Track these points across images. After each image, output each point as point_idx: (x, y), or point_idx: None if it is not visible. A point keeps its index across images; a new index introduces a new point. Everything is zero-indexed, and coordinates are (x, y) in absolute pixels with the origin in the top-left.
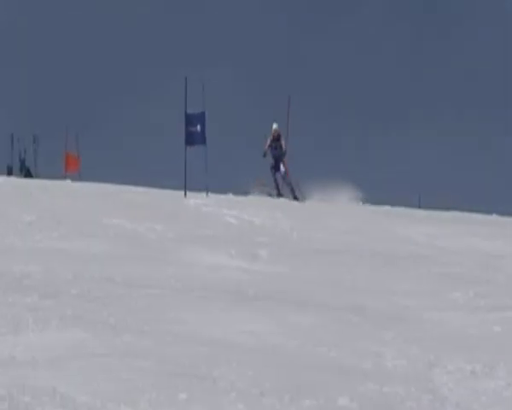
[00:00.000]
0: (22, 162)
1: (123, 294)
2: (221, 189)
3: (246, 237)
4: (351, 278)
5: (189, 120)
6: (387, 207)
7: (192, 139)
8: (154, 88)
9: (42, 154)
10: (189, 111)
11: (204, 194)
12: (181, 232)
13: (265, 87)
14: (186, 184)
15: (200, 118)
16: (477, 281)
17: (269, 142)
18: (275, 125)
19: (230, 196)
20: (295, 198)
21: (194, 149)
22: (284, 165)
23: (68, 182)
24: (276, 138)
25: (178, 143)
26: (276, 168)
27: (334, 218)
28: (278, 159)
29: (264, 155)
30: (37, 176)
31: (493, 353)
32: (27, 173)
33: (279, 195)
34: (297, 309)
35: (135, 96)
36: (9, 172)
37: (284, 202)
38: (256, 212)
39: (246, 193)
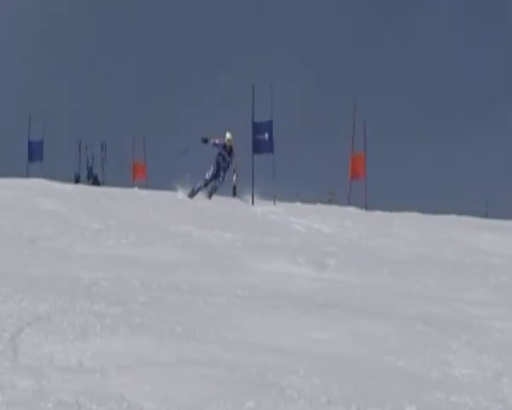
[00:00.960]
0: (90, 170)
1: (190, 302)
2: (289, 197)
3: (314, 245)
4: (419, 287)
5: (257, 128)
6: (454, 217)
7: (259, 147)
8: (221, 96)
9: (109, 161)
10: (257, 119)
11: (271, 202)
12: (249, 240)
13: (333, 94)
14: (253, 192)
15: (268, 126)
16: None
17: (217, 141)
18: (228, 135)
19: (298, 205)
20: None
21: (261, 157)
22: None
23: (136, 190)
24: (229, 150)
25: (246, 150)
26: (216, 176)
27: (401, 227)
28: (222, 170)
29: (206, 142)
30: (105, 183)
31: None
32: (95, 181)
33: (193, 194)
34: (365, 318)
35: (202, 104)
36: (77, 180)
37: (353, 211)
38: (324, 220)
39: (313, 201)
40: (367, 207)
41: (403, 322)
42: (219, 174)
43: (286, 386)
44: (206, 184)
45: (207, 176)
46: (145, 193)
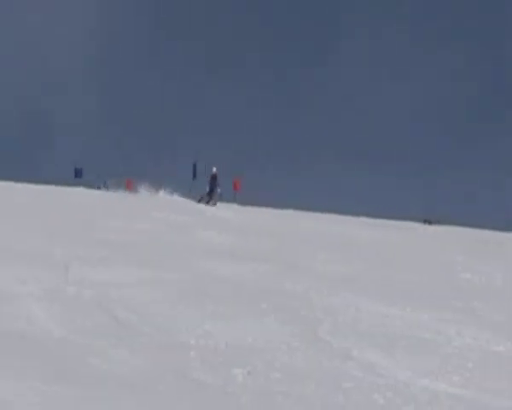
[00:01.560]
0: None
1: None
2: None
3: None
4: None
5: None
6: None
7: None
8: None
9: None
10: None
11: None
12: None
13: None
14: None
15: None
16: None
17: (209, 179)
18: (214, 169)
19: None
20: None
21: None
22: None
23: None
24: (213, 178)
25: None
26: (209, 195)
27: None
28: (212, 191)
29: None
30: None
31: None
32: None
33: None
34: None
35: None
36: None
37: None
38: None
39: None
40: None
41: None
42: (213, 192)
43: None
44: (207, 196)
45: (206, 192)
46: None
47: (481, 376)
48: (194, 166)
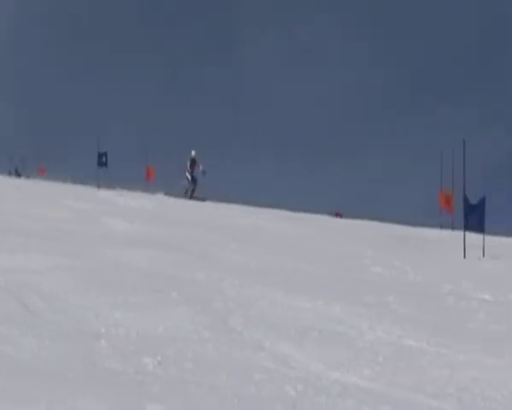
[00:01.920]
0: None
1: None
2: None
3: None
4: None
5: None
6: None
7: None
8: None
9: None
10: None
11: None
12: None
13: None
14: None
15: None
16: None
17: (188, 165)
18: (193, 153)
19: None
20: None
21: None
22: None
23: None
24: (193, 162)
25: None
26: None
27: None
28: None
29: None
30: None
31: None
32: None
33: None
34: None
35: None
36: None
37: None
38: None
39: None
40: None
41: None
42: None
43: None
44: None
45: (189, 180)
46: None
47: (392, 370)
48: (104, 155)
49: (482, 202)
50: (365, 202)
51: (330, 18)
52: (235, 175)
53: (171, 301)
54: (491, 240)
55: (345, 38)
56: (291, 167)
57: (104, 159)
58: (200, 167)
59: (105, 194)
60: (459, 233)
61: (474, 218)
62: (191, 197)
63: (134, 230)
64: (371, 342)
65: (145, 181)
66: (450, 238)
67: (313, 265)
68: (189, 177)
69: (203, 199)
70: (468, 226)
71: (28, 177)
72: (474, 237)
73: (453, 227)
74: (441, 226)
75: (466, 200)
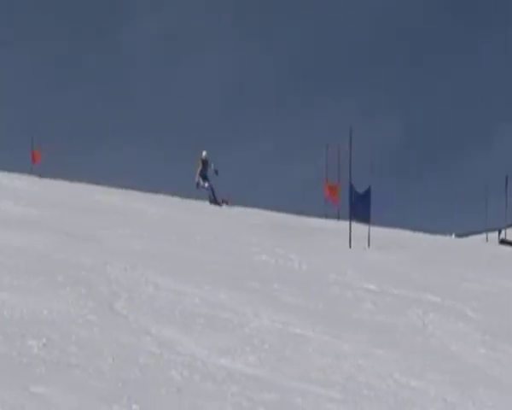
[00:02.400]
0: None
1: None
2: None
3: None
4: None
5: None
6: None
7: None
8: None
9: None
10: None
11: None
12: None
13: None
14: None
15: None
16: None
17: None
18: (204, 153)
19: None
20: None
21: None
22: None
23: None
24: (205, 163)
25: None
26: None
27: None
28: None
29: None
30: None
31: None
32: None
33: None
34: None
35: None
36: None
37: None
38: None
39: None
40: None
41: None
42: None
43: None
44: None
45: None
46: None
47: (277, 357)
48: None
49: (368, 193)
50: (251, 189)
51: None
52: (117, 160)
53: (57, 284)
54: (376, 230)
55: (224, 26)
56: (176, 153)
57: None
58: (212, 166)
59: None
60: (345, 223)
61: (360, 207)
62: (215, 202)
63: (17, 211)
64: (257, 329)
65: (32, 165)
66: (335, 228)
67: (198, 251)
68: (201, 180)
69: (225, 202)
70: (353, 216)
71: None
72: (359, 228)
73: (339, 217)
74: (326, 216)
75: (352, 189)
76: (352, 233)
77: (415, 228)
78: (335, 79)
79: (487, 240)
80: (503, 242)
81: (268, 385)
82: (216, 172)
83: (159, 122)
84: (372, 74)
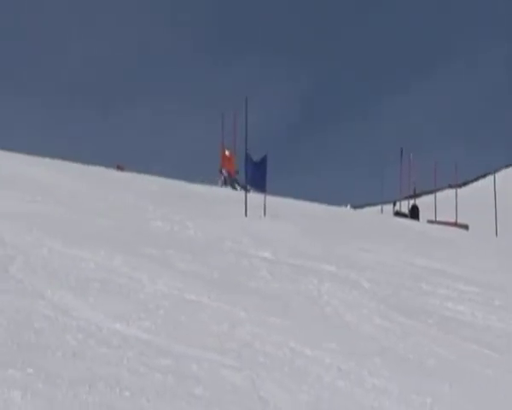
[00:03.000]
0: None
1: None
2: None
3: None
4: None
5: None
6: None
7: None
8: None
9: None
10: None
11: None
12: None
13: None
14: None
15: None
16: None
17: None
18: (227, 152)
19: None
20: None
21: None
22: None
23: None
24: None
25: None
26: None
27: None
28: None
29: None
30: None
31: None
32: None
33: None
34: None
35: None
36: None
37: None
38: None
39: None
40: None
41: None
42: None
43: None
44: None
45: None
46: None
47: (173, 323)
48: None
49: (264, 161)
50: (147, 155)
51: None
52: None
53: None
54: (272, 200)
55: None
56: (66, 114)
57: None
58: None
59: None
60: (241, 192)
61: (256, 176)
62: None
63: None
64: (152, 294)
65: None
66: (231, 196)
67: (93, 216)
68: (226, 179)
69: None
70: (249, 184)
71: None
72: (255, 197)
73: (232, 184)
74: (221, 184)
75: (248, 158)
76: (247, 202)
77: (311, 198)
78: (237, 45)
79: (382, 212)
80: (397, 214)
81: (163, 351)
82: (236, 172)
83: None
84: (271, 41)
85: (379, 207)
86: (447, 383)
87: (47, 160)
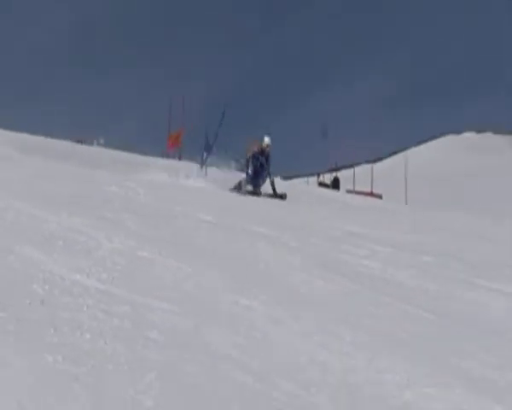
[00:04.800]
0: None
1: None
2: None
3: None
4: None
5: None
6: None
7: None
8: None
9: None
10: None
11: None
12: None
13: None
14: None
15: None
16: None
17: (255, 150)
18: (267, 140)
19: None
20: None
21: None
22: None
23: None
24: (267, 156)
25: None
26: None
27: None
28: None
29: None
30: None
31: None
32: None
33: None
34: None
35: None
36: None
37: None
38: None
39: None
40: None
41: None
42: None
43: None
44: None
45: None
46: None
47: (127, 276)
48: None
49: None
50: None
51: None
52: None
53: None
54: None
55: None
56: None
57: None
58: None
59: None
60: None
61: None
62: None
63: None
64: (109, 251)
65: None
66: (180, 167)
67: (54, 183)
68: (251, 171)
69: (282, 196)
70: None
71: None
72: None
73: (180, 157)
74: (168, 156)
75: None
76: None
77: None
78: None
79: (308, 183)
80: (320, 184)
81: (120, 300)
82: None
83: None
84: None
85: (305, 179)
86: (363, 329)
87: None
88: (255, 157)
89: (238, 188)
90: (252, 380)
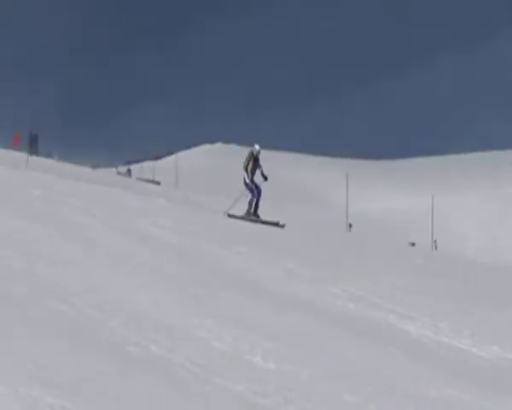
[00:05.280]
0: None
1: None
2: None
3: None
4: None
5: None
6: None
7: None
8: None
9: None
10: None
11: None
12: None
13: None
14: None
15: None
16: None
17: (248, 165)
18: (257, 147)
19: None
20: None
21: None
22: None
23: None
24: (255, 162)
25: None
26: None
27: None
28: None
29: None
30: None
31: None
32: None
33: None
34: None
35: None
36: None
37: None
38: None
39: None
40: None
41: None
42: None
43: None
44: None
45: (252, 197)
46: None
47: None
48: None
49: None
50: None
51: None
52: None
53: None
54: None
55: None
56: None
57: None
58: (261, 170)
59: None
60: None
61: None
62: (255, 215)
63: None
64: (35, 240)
65: None
66: None
67: None
68: (250, 182)
69: (282, 225)
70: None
71: None
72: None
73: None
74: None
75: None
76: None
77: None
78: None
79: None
80: (119, 173)
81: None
82: (265, 178)
83: None
84: None
85: (111, 169)
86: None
87: None
88: (252, 182)
89: (247, 215)
90: None
